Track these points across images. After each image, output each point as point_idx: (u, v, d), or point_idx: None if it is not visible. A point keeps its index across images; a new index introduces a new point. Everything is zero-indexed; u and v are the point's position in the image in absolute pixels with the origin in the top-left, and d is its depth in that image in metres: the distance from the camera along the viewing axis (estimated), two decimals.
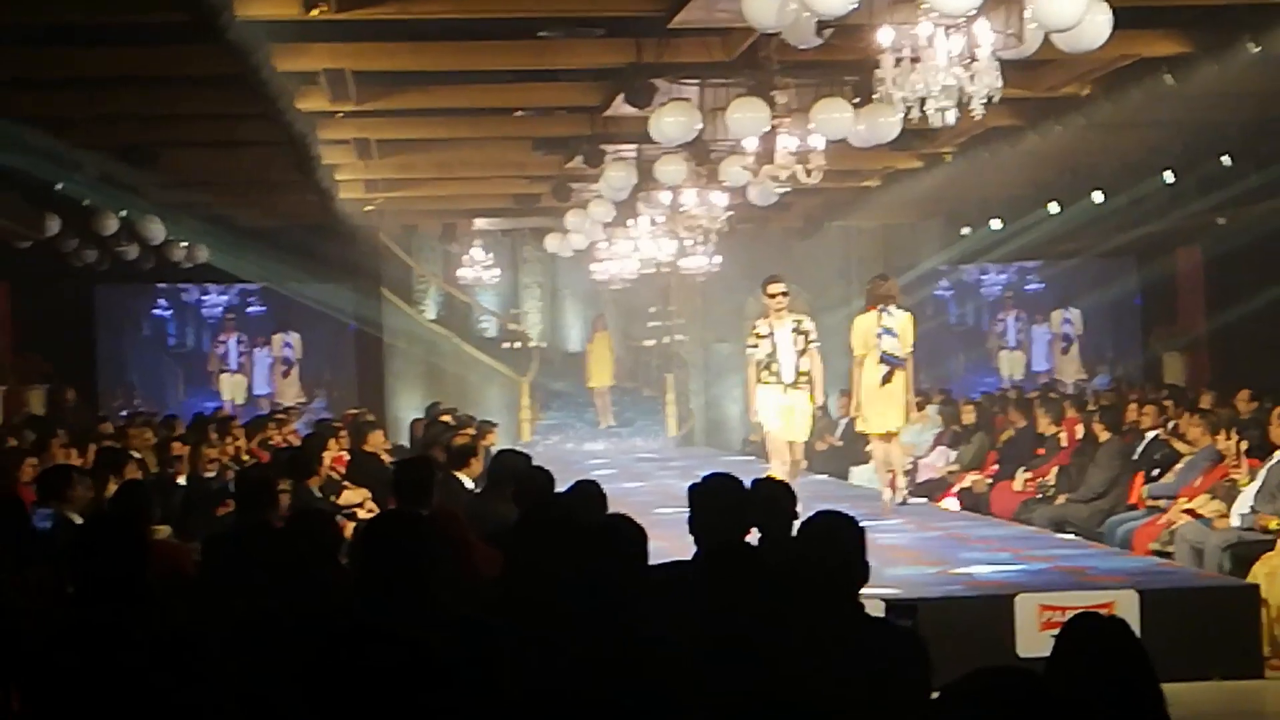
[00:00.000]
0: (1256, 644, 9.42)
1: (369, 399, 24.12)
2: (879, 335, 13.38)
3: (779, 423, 13.29)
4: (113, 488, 9.62)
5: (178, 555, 8.08)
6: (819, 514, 5.23)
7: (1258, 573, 10.11)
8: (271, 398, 26.69)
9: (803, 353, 13.24)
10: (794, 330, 13.30)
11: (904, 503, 13.94)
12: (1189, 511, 11.98)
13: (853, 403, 14.17)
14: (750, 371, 13.50)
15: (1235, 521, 11.40)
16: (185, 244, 21.25)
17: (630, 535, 5.39)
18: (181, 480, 12.13)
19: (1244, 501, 11.44)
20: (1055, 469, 14.87)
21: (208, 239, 21.56)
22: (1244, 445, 12.08)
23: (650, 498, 14.70)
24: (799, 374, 13.23)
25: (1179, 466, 13.13)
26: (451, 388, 24.72)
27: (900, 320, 13.47)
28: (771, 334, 13.32)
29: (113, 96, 14.36)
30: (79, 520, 8.36)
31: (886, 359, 13.38)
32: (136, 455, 12.10)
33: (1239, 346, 21.41)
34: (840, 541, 5.01)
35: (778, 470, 12.71)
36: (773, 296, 13.37)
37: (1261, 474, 11.46)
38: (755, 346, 13.39)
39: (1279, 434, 11.52)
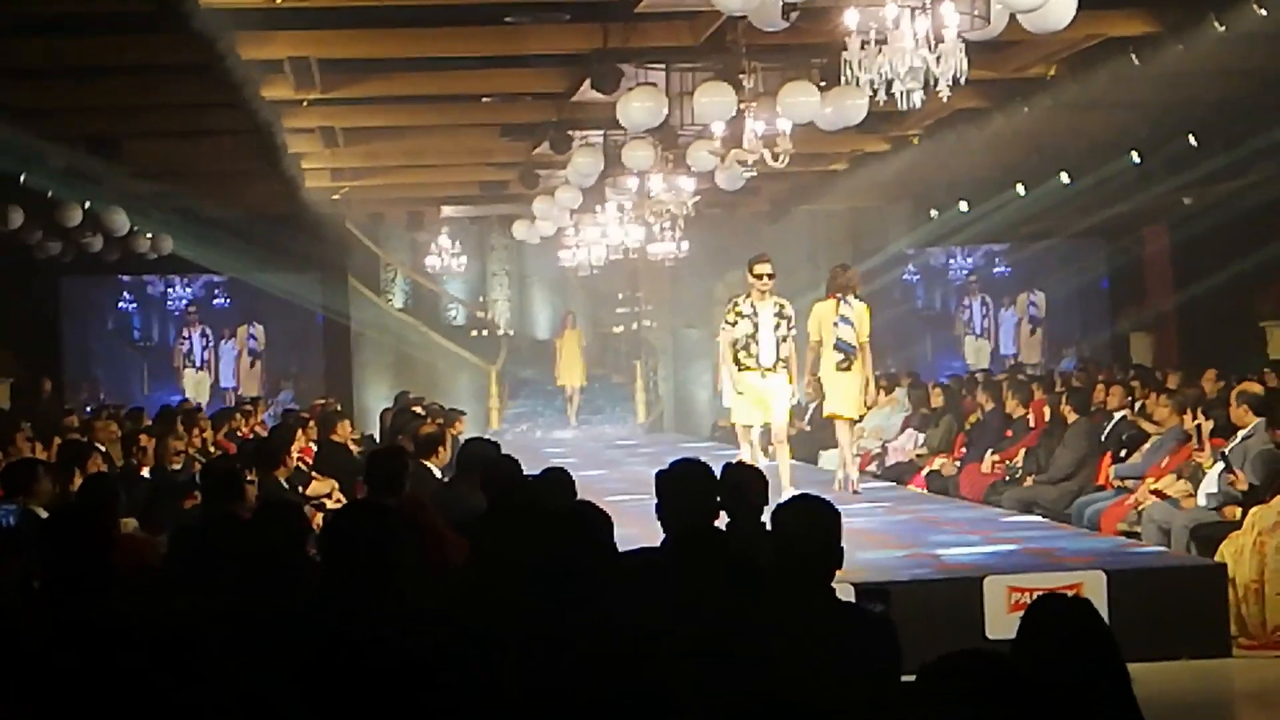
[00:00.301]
0: (1224, 623, 9.46)
1: (337, 389, 24.05)
2: (835, 323, 13.37)
3: (754, 411, 12.95)
4: (78, 481, 9.56)
5: (144, 548, 8.01)
6: (796, 498, 5.20)
7: (1224, 552, 10.14)
8: (236, 390, 26.57)
9: (784, 339, 12.73)
10: (776, 314, 12.72)
11: (856, 492, 13.85)
12: (1156, 492, 12.00)
13: (806, 379, 13.78)
14: (725, 350, 12.88)
15: (1201, 501, 11.45)
16: (150, 235, 21.15)
17: (597, 521, 5.37)
18: (147, 473, 12.06)
19: (1210, 482, 11.48)
20: (1023, 451, 14.89)
21: (173, 230, 21.45)
22: (1209, 426, 12.10)
23: (618, 484, 14.67)
24: (778, 359, 12.71)
25: (1146, 447, 13.16)
26: (420, 376, 24.65)
27: (857, 310, 13.41)
28: (754, 314, 12.70)
29: (76, 87, 14.27)
30: (44, 514, 8.32)
31: (840, 346, 13.35)
32: (101, 448, 12.03)
33: (1206, 326, 21.48)
34: (817, 526, 4.97)
35: (748, 455, 12.67)
36: (759, 277, 12.72)
37: (1225, 453, 11.49)
38: (734, 324, 12.72)
39: (1239, 414, 11.51)
